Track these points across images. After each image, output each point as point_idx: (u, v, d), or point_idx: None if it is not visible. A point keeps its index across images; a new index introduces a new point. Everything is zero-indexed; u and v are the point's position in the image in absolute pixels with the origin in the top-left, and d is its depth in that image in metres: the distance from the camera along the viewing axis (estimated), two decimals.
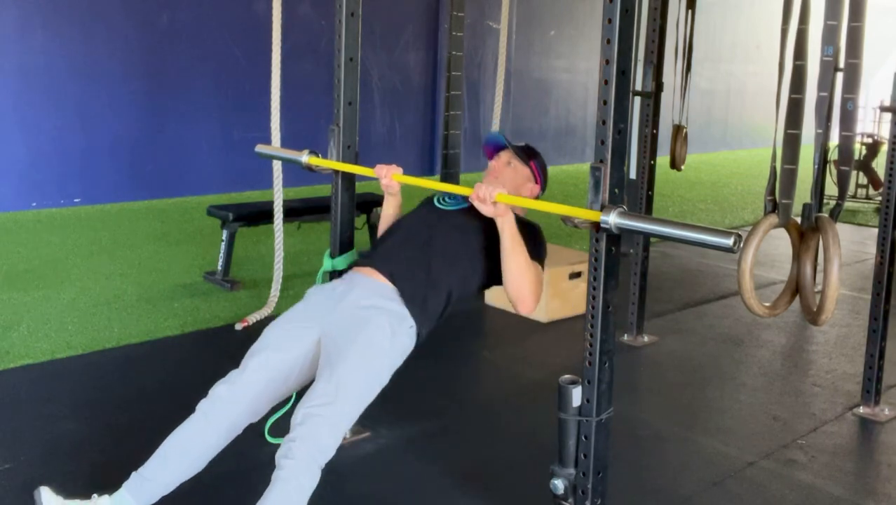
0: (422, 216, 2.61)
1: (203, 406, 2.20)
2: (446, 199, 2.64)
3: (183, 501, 2.23)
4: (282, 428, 2.26)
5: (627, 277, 3.86)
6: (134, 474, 2.12)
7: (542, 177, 2.69)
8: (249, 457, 2.48)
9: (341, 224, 2.76)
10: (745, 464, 2.74)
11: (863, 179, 7.92)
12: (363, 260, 2.53)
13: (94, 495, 2.11)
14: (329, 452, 2.04)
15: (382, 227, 2.71)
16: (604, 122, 1.85)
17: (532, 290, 2.39)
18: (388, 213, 2.70)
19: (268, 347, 2.29)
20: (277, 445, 2.06)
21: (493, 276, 2.50)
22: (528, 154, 2.69)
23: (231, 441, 2.23)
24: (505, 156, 2.68)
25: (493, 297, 4.31)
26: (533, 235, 2.51)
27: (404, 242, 2.50)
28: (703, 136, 11.88)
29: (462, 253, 2.47)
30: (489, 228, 2.41)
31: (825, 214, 2.30)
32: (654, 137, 3.89)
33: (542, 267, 2.51)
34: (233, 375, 2.25)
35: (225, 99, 7.39)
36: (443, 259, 2.44)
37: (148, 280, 4.65)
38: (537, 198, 2.69)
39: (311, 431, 2.01)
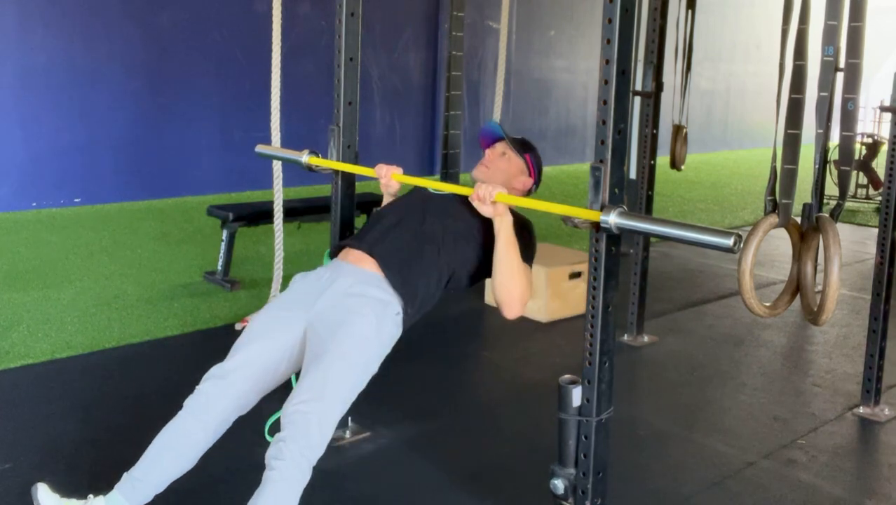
0: (415, 201, 2.56)
1: (189, 403, 2.17)
2: None
3: (182, 502, 2.23)
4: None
5: (627, 277, 3.86)
6: (125, 475, 2.10)
7: (536, 170, 2.66)
8: (248, 457, 2.47)
9: (341, 224, 2.76)
10: (745, 464, 2.74)
11: (863, 179, 7.92)
12: (351, 242, 2.48)
13: (90, 496, 2.10)
14: (319, 449, 2.02)
15: None
16: (604, 122, 1.85)
17: (520, 294, 2.37)
18: None
19: (253, 340, 2.25)
20: None
21: (486, 267, 2.46)
22: (523, 146, 2.67)
23: (231, 440, 2.22)
24: (500, 146, 2.66)
25: (493, 297, 4.30)
26: (525, 232, 2.47)
27: (395, 226, 2.45)
28: (703, 136, 11.88)
29: (456, 239, 2.43)
30: (485, 218, 2.38)
31: (825, 214, 2.31)
32: (654, 137, 3.89)
33: (531, 266, 2.49)
34: (218, 369, 2.21)
35: (225, 99, 7.39)
36: (435, 244, 2.40)
37: (148, 280, 4.65)
38: (530, 191, 2.66)
39: (300, 429, 1.99)
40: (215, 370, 2.21)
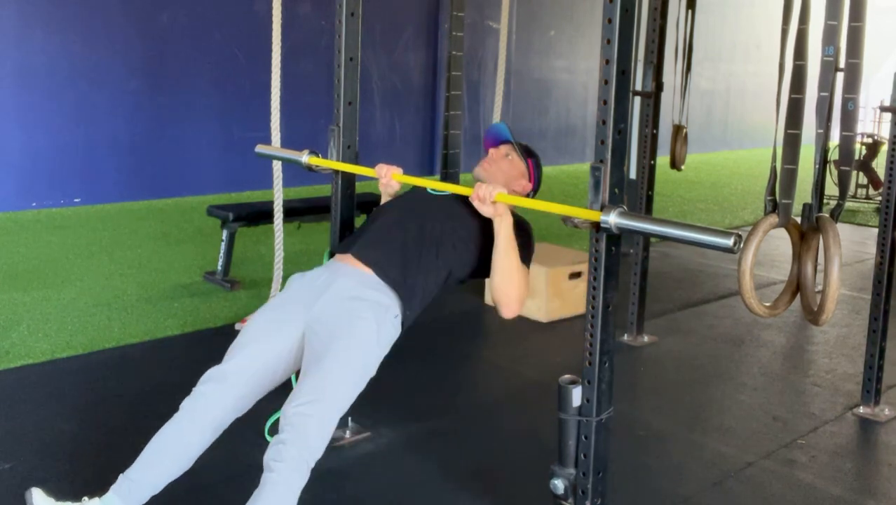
0: (412, 201, 2.57)
1: (186, 404, 2.16)
2: None
3: (179, 503, 2.23)
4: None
5: (627, 277, 3.86)
6: (121, 477, 2.09)
7: (536, 176, 2.69)
8: (247, 457, 2.47)
9: (341, 224, 2.76)
10: (745, 464, 2.74)
11: (863, 179, 7.92)
12: (345, 246, 2.49)
13: (85, 498, 2.08)
14: (318, 451, 2.02)
15: None
16: (604, 122, 1.85)
17: (518, 295, 2.39)
18: None
19: (251, 342, 2.25)
20: None
21: (484, 267, 2.47)
22: (527, 152, 2.71)
23: (229, 441, 2.22)
24: (505, 148, 2.70)
25: (491, 296, 4.30)
26: (523, 233, 2.47)
27: (392, 227, 2.46)
28: (703, 136, 11.88)
29: (455, 241, 2.44)
30: (484, 219, 2.40)
31: (825, 214, 2.30)
32: (654, 137, 3.89)
33: (528, 267, 2.49)
34: (216, 371, 2.20)
35: (225, 99, 7.38)
36: (434, 245, 2.41)
37: (148, 280, 4.65)
38: (528, 196, 2.68)
39: (299, 431, 1.99)
40: (213, 372, 2.20)
